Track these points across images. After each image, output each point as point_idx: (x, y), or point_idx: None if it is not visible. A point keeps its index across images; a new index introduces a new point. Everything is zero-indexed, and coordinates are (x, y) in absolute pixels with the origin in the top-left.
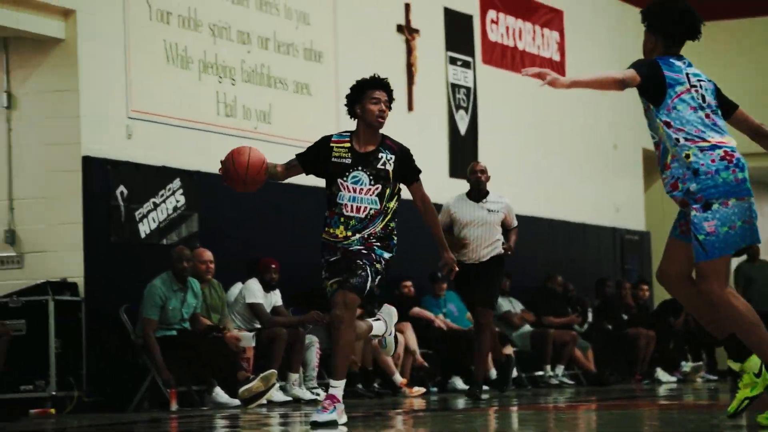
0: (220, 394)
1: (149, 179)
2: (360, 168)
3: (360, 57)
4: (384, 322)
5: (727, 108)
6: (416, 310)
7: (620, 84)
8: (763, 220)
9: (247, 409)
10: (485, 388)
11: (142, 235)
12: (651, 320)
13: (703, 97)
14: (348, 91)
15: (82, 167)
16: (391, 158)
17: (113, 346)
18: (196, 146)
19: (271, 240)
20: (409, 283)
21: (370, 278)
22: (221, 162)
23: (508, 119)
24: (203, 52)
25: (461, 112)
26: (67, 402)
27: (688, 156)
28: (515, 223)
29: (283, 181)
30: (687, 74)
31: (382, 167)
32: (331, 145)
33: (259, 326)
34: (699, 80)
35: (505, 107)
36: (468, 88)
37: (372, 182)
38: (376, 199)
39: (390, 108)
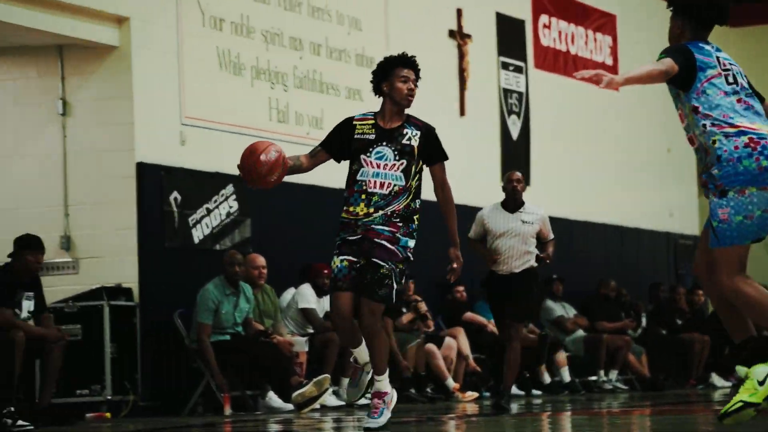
0: (273, 398)
1: (202, 185)
2: (384, 143)
3: None
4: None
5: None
6: (469, 315)
7: (665, 76)
8: None
9: (300, 414)
10: (537, 392)
11: (196, 241)
12: (706, 325)
13: (736, 80)
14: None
15: (136, 173)
16: (416, 134)
17: (168, 351)
18: None
19: (323, 245)
20: (461, 288)
21: (395, 286)
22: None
23: (561, 124)
24: (256, 58)
25: (513, 117)
26: (122, 406)
27: (714, 142)
28: (551, 235)
29: (335, 187)
30: (717, 58)
31: (407, 143)
32: (354, 123)
33: (312, 331)
34: (731, 64)
35: (557, 112)
36: (520, 93)
37: (397, 157)
38: (401, 175)
39: (417, 86)
